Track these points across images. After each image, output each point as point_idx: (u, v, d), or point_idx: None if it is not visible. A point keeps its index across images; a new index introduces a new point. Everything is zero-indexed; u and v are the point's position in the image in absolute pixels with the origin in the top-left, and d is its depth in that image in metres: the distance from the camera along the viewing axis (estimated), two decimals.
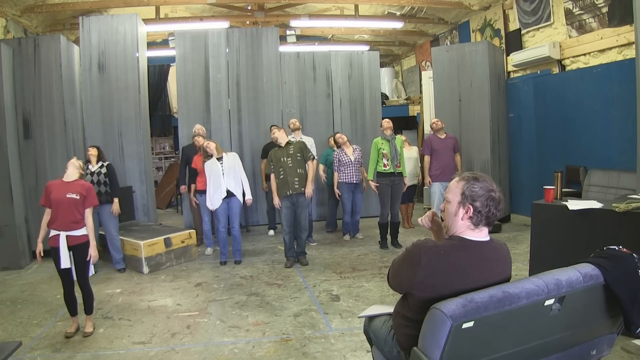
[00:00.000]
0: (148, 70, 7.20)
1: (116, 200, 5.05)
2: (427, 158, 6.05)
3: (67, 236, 3.41)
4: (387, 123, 5.75)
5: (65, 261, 3.41)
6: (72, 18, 8.14)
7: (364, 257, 5.53)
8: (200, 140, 5.82)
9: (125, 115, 6.43)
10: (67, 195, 3.42)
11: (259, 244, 6.40)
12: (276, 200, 5.18)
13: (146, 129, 6.93)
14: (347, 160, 6.08)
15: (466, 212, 1.74)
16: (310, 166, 5.24)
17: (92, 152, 5.09)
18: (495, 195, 1.74)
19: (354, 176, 6.09)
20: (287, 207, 5.15)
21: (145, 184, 6.54)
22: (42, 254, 3.50)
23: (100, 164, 5.08)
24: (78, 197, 3.45)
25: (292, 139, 5.49)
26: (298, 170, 5.12)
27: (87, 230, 3.53)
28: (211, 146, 5.27)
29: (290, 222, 5.20)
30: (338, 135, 6.32)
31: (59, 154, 5.94)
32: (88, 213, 3.55)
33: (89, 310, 3.56)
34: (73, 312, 3.54)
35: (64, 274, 3.47)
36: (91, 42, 6.37)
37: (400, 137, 5.85)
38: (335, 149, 6.34)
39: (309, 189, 5.17)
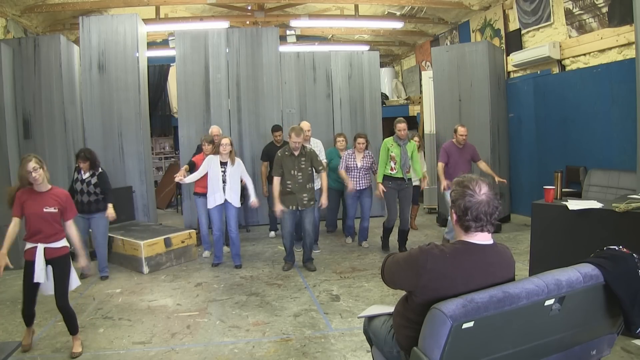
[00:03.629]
0: (148, 70, 7.20)
1: (110, 205, 4.71)
2: (440, 165, 5.67)
3: (45, 248, 3.12)
4: (402, 129, 5.30)
5: (40, 276, 3.08)
6: (72, 18, 8.14)
7: (364, 257, 5.53)
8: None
9: (125, 115, 6.44)
10: (45, 210, 3.11)
11: (259, 244, 6.39)
12: (278, 208, 4.84)
13: (146, 129, 6.93)
14: (353, 166, 5.80)
15: (453, 217, 1.78)
16: (323, 178, 4.99)
17: (84, 166, 4.72)
18: (478, 198, 1.68)
19: (359, 182, 5.81)
20: (290, 212, 4.91)
21: (145, 184, 6.55)
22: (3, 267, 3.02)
23: (91, 172, 4.77)
24: (57, 211, 3.15)
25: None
26: (308, 185, 4.90)
27: (74, 241, 3.23)
28: (226, 149, 5.01)
29: (292, 228, 4.99)
30: (360, 141, 5.79)
31: (59, 154, 5.95)
32: (70, 225, 3.24)
33: (73, 330, 3.23)
34: (29, 322, 3.24)
35: (31, 290, 3.14)
36: (91, 42, 6.38)
37: (413, 142, 5.56)
38: (344, 151, 6.07)
39: (324, 200, 4.99)
